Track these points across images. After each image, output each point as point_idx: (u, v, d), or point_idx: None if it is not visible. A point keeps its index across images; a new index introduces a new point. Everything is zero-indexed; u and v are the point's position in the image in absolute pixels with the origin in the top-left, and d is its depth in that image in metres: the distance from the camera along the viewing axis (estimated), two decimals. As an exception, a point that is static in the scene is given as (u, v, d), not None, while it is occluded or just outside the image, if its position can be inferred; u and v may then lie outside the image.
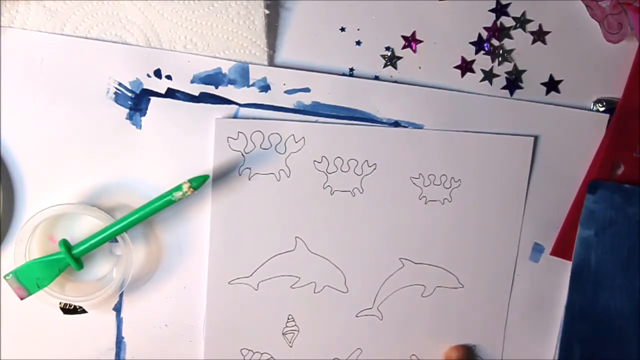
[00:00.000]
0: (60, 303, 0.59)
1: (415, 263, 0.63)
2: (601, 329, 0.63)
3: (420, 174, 0.62)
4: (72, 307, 0.60)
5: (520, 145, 0.62)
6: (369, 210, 0.62)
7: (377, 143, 0.61)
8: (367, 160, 0.61)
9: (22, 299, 0.56)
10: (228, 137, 0.59)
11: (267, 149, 0.60)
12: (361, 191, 0.62)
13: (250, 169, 0.60)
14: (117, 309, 0.61)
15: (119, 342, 0.61)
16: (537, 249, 0.64)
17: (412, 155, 0.61)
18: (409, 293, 0.64)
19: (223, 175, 0.60)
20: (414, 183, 0.62)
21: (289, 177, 0.60)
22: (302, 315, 0.63)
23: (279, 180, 0.60)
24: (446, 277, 0.64)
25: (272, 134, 0.60)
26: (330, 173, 0.61)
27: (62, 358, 0.61)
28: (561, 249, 0.64)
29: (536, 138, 0.62)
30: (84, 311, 0.60)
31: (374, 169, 0.61)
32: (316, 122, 0.60)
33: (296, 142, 0.60)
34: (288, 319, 0.63)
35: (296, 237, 0.62)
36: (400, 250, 0.63)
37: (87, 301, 0.58)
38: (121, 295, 0.61)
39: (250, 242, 0.61)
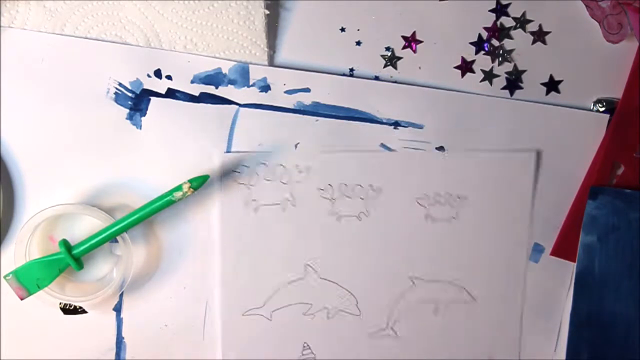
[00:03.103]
0: (60, 303, 0.59)
1: (426, 281, 0.63)
2: (607, 334, 0.63)
3: (425, 194, 0.62)
4: (72, 307, 0.60)
5: (522, 160, 0.63)
6: (377, 233, 0.62)
7: (380, 167, 0.61)
8: (371, 185, 0.61)
9: (22, 299, 0.56)
10: (233, 171, 0.59)
11: (271, 180, 0.60)
12: (367, 215, 0.62)
13: (256, 200, 0.60)
14: (117, 309, 0.61)
15: (119, 342, 0.61)
16: (537, 249, 0.64)
17: (416, 176, 0.62)
18: (421, 310, 0.64)
19: (230, 209, 0.60)
20: (419, 203, 0.62)
21: (294, 206, 0.61)
22: (317, 342, 0.63)
23: (285, 211, 0.61)
24: (457, 292, 0.64)
25: (276, 165, 0.60)
26: (335, 200, 0.61)
27: (62, 358, 0.61)
28: (561, 249, 0.64)
29: (538, 153, 0.62)
30: (84, 311, 0.60)
31: (379, 192, 0.62)
32: (316, 121, 0.60)
33: (300, 172, 0.60)
34: (304, 346, 0.63)
35: (306, 264, 0.62)
36: (410, 269, 0.63)
37: (87, 301, 0.58)
38: (121, 296, 0.61)
39: (261, 273, 0.61)
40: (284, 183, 0.60)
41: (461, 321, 0.64)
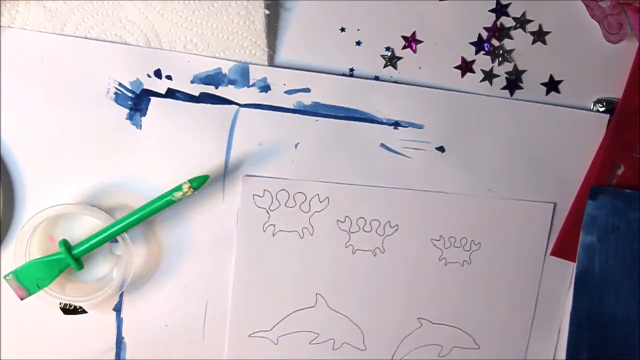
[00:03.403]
0: (60, 303, 0.59)
1: (433, 323, 0.64)
2: (607, 334, 0.63)
3: (441, 236, 0.63)
4: (72, 307, 0.60)
5: (540, 211, 0.63)
6: (390, 269, 0.63)
7: (399, 204, 0.62)
8: (389, 221, 0.62)
9: (22, 299, 0.56)
10: (254, 195, 0.60)
11: (291, 207, 0.60)
12: (382, 251, 0.62)
13: (274, 225, 0.61)
14: (117, 309, 0.61)
15: (119, 342, 0.61)
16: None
17: (433, 217, 0.62)
18: (426, 352, 0.64)
19: (248, 231, 0.60)
20: (434, 245, 0.63)
21: (312, 235, 0.61)
22: None
23: (302, 238, 0.61)
24: (463, 337, 0.65)
25: (297, 192, 0.60)
26: (352, 232, 0.62)
27: (62, 358, 0.61)
28: (561, 249, 0.64)
29: (555, 205, 0.63)
30: (84, 311, 0.60)
31: (396, 229, 0.62)
32: (316, 121, 0.60)
33: (320, 202, 0.61)
34: None
35: (317, 293, 0.62)
36: (419, 310, 0.64)
37: (87, 301, 0.58)
38: (121, 296, 0.61)
39: (272, 297, 0.62)
40: (304, 211, 0.61)
41: None
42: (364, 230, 0.62)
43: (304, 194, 0.60)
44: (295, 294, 0.62)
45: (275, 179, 0.60)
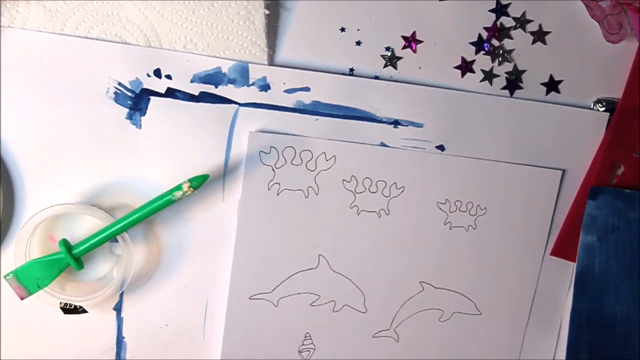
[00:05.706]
0: (60, 303, 0.59)
1: (435, 287, 0.64)
2: (607, 334, 0.63)
3: (447, 199, 0.62)
4: (73, 306, 0.60)
5: (547, 178, 0.63)
6: (394, 232, 0.62)
7: (406, 166, 0.61)
8: (395, 183, 0.61)
9: (22, 299, 0.56)
10: (260, 151, 0.59)
11: (297, 165, 0.60)
12: (387, 213, 0.62)
13: (279, 184, 0.60)
14: (118, 308, 0.61)
15: (120, 341, 0.61)
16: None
17: (440, 180, 0.62)
18: (426, 317, 0.64)
19: (252, 189, 0.60)
20: (440, 208, 0.62)
21: (317, 194, 0.61)
22: (319, 334, 0.63)
23: (307, 197, 0.61)
24: (465, 303, 0.64)
25: (303, 150, 0.60)
26: (358, 193, 0.61)
27: (62, 358, 0.61)
28: (561, 249, 0.64)
29: (564, 172, 0.63)
30: (84, 311, 0.60)
31: (402, 191, 0.62)
32: (316, 120, 0.60)
33: (327, 160, 0.60)
34: (305, 336, 0.63)
35: (319, 254, 0.62)
36: (422, 273, 0.63)
37: (87, 301, 0.58)
38: (121, 295, 0.61)
39: (274, 258, 0.61)
40: (310, 170, 0.60)
41: (464, 332, 0.65)
42: (369, 190, 0.61)
43: (310, 151, 0.60)
44: (297, 255, 0.62)
45: (282, 135, 0.59)
